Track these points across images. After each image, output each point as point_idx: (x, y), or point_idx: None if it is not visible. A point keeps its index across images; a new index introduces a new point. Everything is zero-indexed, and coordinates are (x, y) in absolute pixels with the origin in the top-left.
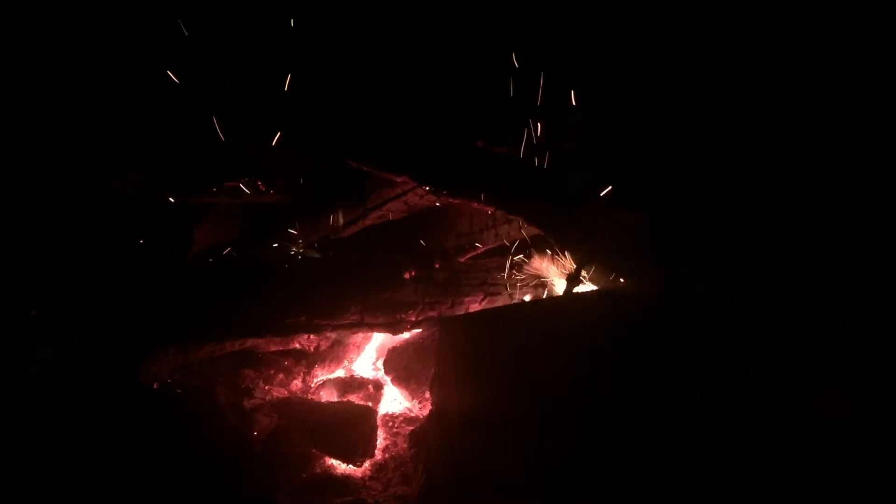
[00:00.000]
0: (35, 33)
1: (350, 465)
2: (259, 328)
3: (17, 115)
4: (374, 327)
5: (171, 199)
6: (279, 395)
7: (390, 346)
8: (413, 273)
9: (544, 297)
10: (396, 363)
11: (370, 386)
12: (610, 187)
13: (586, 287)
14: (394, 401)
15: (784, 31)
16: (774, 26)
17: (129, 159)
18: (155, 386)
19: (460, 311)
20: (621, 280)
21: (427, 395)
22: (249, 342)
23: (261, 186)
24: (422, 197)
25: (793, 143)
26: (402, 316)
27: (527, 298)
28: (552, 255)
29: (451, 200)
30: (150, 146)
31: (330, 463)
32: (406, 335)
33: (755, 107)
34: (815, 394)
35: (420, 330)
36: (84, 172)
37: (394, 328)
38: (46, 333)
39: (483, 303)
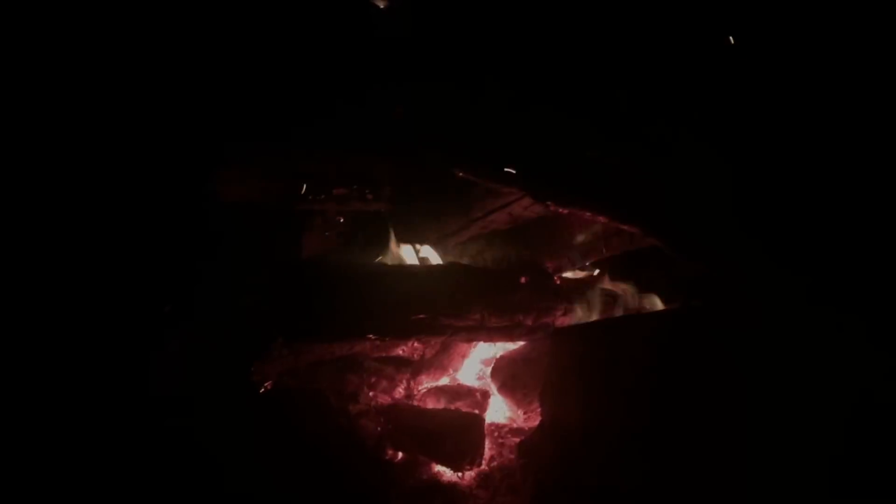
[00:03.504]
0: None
1: (457, 473)
2: (381, 327)
3: (140, 121)
4: (492, 333)
5: (281, 204)
6: (384, 402)
7: (497, 354)
8: (527, 278)
9: (658, 309)
10: (504, 372)
11: (477, 394)
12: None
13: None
14: (499, 410)
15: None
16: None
17: (247, 163)
18: (268, 386)
19: (572, 320)
20: (744, 292)
21: (534, 405)
22: (358, 346)
23: (368, 195)
24: (526, 208)
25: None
26: (520, 319)
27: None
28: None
29: (559, 211)
30: (268, 150)
31: (437, 470)
32: (512, 346)
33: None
34: None
35: (524, 342)
36: (204, 175)
37: (511, 334)
38: (173, 328)
39: (595, 313)
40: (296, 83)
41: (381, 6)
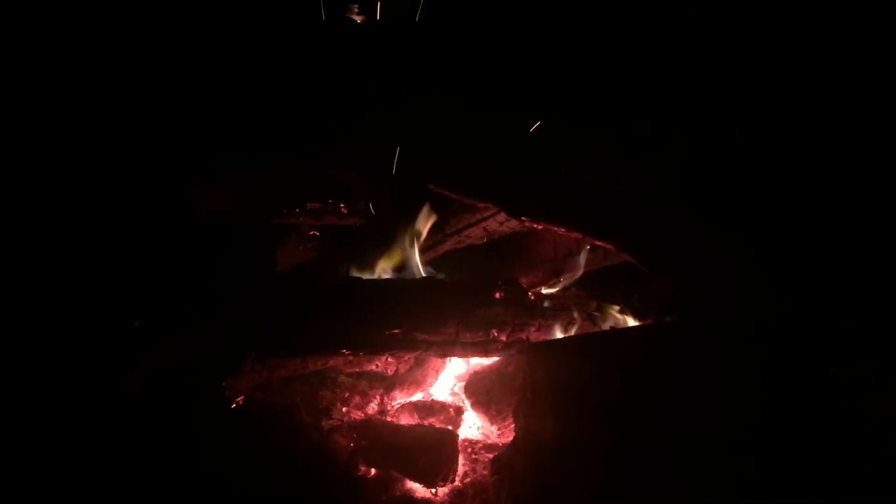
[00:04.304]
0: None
1: (430, 489)
2: (355, 342)
3: (122, 136)
4: (466, 348)
5: (256, 218)
6: (357, 417)
7: (471, 370)
8: (502, 293)
9: (635, 324)
10: (478, 387)
11: (451, 410)
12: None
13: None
14: (472, 426)
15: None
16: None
17: (223, 178)
18: (240, 401)
19: (547, 335)
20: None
21: (508, 421)
22: (331, 361)
23: (343, 209)
24: (501, 224)
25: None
26: (495, 334)
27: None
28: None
29: (533, 226)
30: (243, 164)
31: (410, 486)
32: (486, 361)
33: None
34: None
35: (498, 358)
36: (180, 189)
37: (486, 349)
38: (150, 341)
39: (570, 329)
40: (273, 98)
41: (359, 21)
